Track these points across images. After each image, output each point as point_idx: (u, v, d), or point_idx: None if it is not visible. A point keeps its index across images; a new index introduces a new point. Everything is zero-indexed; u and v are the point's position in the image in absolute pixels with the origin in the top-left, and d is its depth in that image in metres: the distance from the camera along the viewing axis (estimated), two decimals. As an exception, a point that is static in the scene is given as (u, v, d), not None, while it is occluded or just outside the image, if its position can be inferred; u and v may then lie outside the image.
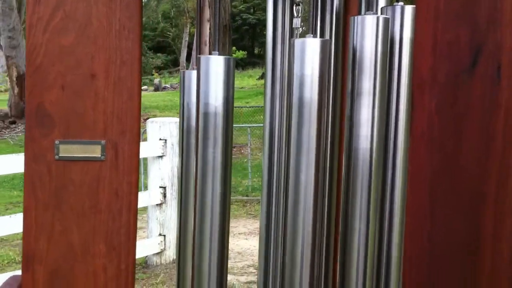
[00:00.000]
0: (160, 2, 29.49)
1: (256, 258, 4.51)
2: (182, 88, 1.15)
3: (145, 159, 5.13)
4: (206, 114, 0.98)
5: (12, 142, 10.98)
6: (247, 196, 7.06)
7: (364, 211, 0.91)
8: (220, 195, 0.99)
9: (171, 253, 4.60)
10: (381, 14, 0.93)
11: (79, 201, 1.18)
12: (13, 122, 12.57)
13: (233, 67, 1.00)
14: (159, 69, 27.68)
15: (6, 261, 4.57)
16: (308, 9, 0.99)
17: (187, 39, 26.68)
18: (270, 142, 1.17)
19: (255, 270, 4.43)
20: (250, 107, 12.42)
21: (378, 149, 0.91)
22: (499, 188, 1.05)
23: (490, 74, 1.00)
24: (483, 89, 1.04)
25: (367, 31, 0.89)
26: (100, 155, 1.17)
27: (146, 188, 4.95)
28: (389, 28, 0.92)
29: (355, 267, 0.91)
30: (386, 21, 0.90)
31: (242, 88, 18.56)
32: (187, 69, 1.19)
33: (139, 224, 5.13)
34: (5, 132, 11.96)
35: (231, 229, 5.18)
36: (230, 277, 4.15)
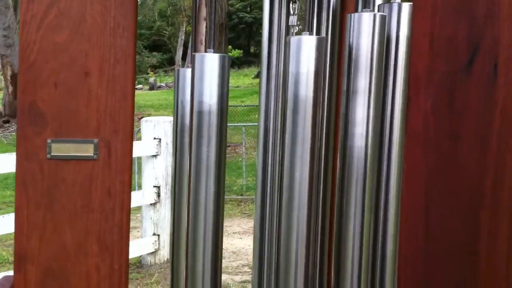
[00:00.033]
0: (156, 0, 29.48)
1: (250, 257, 4.50)
2: (176, 86, 1.14)
3: (139, 158, 5.11)
4: (200, 112, 0.97)
5: (5, 141, 10.94)
6: (241, 195, 7.06)
7: (359, 210, 0.90)
8: (214, 194, 0.98)
9: (165, 253, 4.59)
10: (378, 11, 0.93)
11: (72, 200, 1.17)
12: (7, 121, 12.53)
13: (228, 65, 0.99)
14: (154, 68, 27.67)
15: (-1, 261, 4.56)
16: (305, 7, 0.98)
17: (183, 37, 26.68)
18: (265, 141, 1.16)
19: (249, 270, 4.42)
20: (245, 106, 12.42)
21: (373, 147, 0.90)
22: (495, 186, 1.04)
23: (486, 72, 1.00)
24: (479, 87, 1.03)
25: (364, 28, 0.89)
26: (92, 154, 1.16)
27: (140, 187, 4.94)
28: (386, 26, 0.91)
29: (350, 266, 0.91)
30: (383, 18, 0.90)
31: (237, 87, 18.58)
32: (182, 67, 1.18)
33: (133, 224, 5.12)
34: (-1, 131, 11.92)
35: (225, 229, 5.18)
36: (224, 277, 4.15)
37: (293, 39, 0.89)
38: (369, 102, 0.89)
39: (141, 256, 4.61)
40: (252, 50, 30.97)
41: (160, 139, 4.43)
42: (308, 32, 0.91)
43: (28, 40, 1.14)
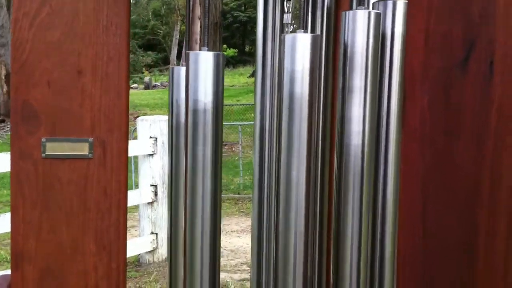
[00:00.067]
0: (150, -1, 29.41)
1: (249, 255, 4.51)
2: (171, 84, 1.13)
3: (136, 157, 5.11)
4: (195, 111, 0.97)
5: (1, 141, 10.90)
6: (239, 194, 7.06)
7: (356, 207, 0.90)
8: (210, 192, 0.98)
9: (163, 251, 4.60)
10: (373, 9, 0.92)
11: (67, 199, 1.16)
12: (2, 121, 12.50)
13: (223, 63, 0.99)
14: (149, 67, 27.61)
15: (-3, 261, 4.55)
16: (299, 5, 0.98)
17: (178, 37, 26.63)
18: (261, 140, 1.16)
19: (248, 268, 4.43)
20: (241, 105, 12.42)
21: (370, 145, 0.90)
22: (492, 184, 1.04)
23: (482, 70, 1.00)
24: (475, 85, 1.03)
25: (359, 26, 0.88)
26: (87, 153, 1.15)
27: (137, 186, 4.94)
28: (381, 24, 0.91)
29: (349, 263, 0.91)
30: (378, 16, 0.89)
31: (232, 86, 18.55)
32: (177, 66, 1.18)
33: (131, 223, 5.12)
34: (-6, 131, 11.88)
35: (224, 227, 5.18)
36: (223, 275, 4.15)
37: (288, 37, 0.89)
38: (365, 100, 0.89)
39: (139, 254, 4.62)
40: (247, 49, 30.92)
41: (156, 138, 4.43)
42: (302, 30, 0.91)
43: (20, 39, 1.13)
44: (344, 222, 0.91)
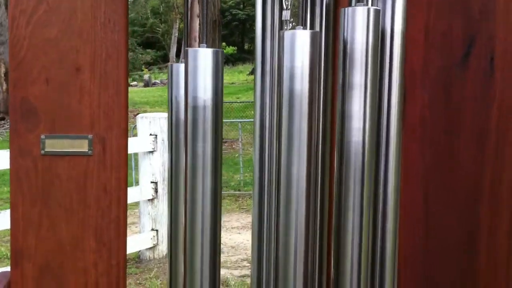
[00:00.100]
0: (149, -3, 29.36)
1: (249, 252, 4.51)
2: (170, 81, 1.13)
3: (136, 154, 5.11)
4: (195, 108, 0.96)
5: (1, 138, 10.90)
6: (239, 190, 7.07)
7: (357, 205, 0.90)
8: (210, 189, 0.97)
9: (164, 248, 4.61)
10: (372, 5, 0.92)
11: (67, 196, 1.16)
12: (2, 119, 12.49)
13: (222, 60, 0.98)
14: (148, 65, 27.56)
15: (-2, 258, 4.56)
16: (298, 2, 0.98)
17: (177, 34, 26.58)
18: (261, 136, 1.15)
19: (248, 264, 4.43)
20: (240, 102, 12.41)
21: (370, 142, 0.90)
22: (494, 182, 1.04)
23: (483, 67, 1.00)
24: (476, 82, 1.03)
25: (358, 23, 0.88)
26: (87, 150, 1.15)
27: (137, 183, 4.94)
28: (380, 20, 0.91)
29: (349, 258, 0.91)
30: (377, 12, 0.89)
31: (232, 83, 18.53)
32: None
33: (131, 219, 5.12)
34: (-6, 129, 11.88)
35: (224, 223, 5.18)
36: (224, 271, 4.15)
37: (287, 34, 0.89)
38: (365, 97, 0.89)
39: (139, 251, 4.63)
40: (246, 47, 30.86)
41: (156, 135, 4.45)
42: (301, 27, 0.91)
43: (17, 36, 1.13)
44: (345, 218, 0.90)
